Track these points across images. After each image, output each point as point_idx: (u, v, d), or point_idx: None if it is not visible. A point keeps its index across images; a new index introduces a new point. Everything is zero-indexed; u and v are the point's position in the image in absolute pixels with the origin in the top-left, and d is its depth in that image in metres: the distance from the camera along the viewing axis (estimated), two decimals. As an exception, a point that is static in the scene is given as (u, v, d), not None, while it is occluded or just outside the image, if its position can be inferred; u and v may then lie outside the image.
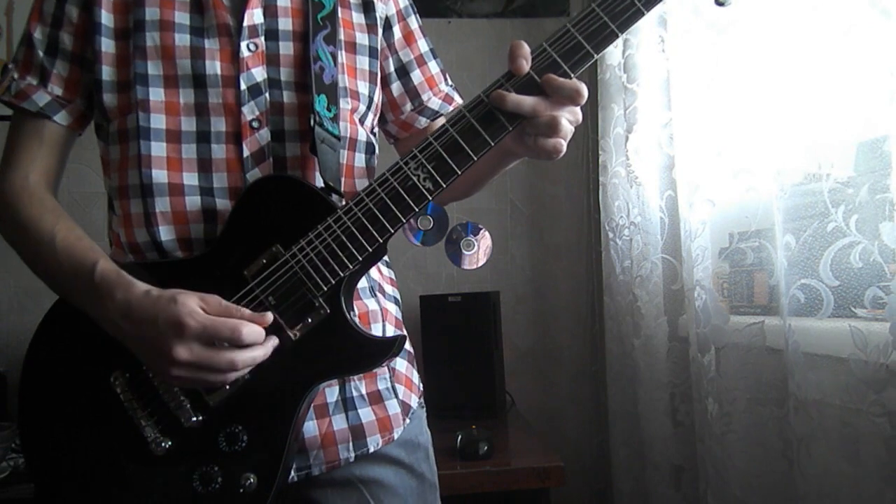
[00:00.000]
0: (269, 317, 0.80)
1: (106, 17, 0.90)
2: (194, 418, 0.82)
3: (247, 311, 0.79)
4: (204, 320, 0.76)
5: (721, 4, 0.86)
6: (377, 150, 1.02)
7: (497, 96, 0.81)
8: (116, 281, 0.80)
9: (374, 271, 0.98)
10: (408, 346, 1.02)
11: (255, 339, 0.78)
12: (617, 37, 0.82)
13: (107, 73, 0.89)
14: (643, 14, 0.81)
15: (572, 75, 0.81)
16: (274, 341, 0.81)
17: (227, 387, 0.81)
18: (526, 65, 0.80)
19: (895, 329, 1.00)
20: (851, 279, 1.11)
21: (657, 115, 1.71)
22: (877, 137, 1.10)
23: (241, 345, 0.77)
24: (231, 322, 0.77)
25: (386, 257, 1.04)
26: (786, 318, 1.21)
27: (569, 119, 0.82)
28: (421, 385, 1.05)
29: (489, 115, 0.82)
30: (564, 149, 0.82)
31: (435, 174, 0.82)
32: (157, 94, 0.87)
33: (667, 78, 1.67)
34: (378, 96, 1.02)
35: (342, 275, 0.82)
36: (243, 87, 0.88)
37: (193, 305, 0.76)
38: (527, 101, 0.80)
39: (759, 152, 1.31)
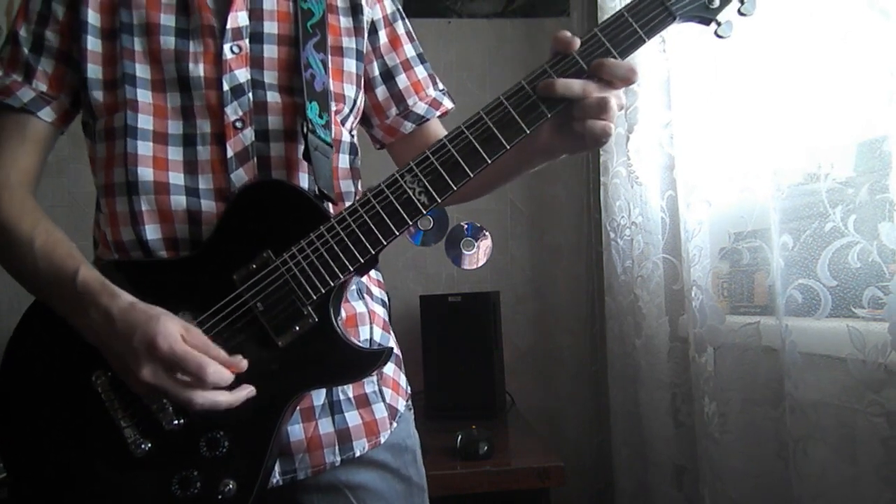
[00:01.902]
0: (244, 364, 0.79)
1: (92, 17, 0.89)
2: (175, 421, 0.81)
3: (222, 353, 0.78)
4: (175, 347, 0.74)
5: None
6: (359, 152, 1.02)
7: (545, 84, 0.81)
8: (100, 290, 0.79)
9: None
10: (395, 349, 1.02)
11: (218, 381, 0.76)
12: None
13: (93, 71, 0.89)
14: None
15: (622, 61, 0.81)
16: (247, 392, 0.79)
17: None
18: (576, 44, 0.81)
19: (894, 329, 0.99)
20: (850, 279, 1.11)
21: (658, 115, 1.71)
22: (876, 137, 1.10)
23: (204, 382, 0.75)
24: (200, 358, 0.75)
25: None
26: (782, 318, 1.21)
27: (616, 102, 0.82)
28: (409, 388, 1.04)
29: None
30: (613, 132, 0.82)
31: (430, 188, 0.82)
32: (145, 97, 0.87)
33: (667, 78, 1.67)
34: (361, 100, 1.02)
35: (332, 284, 0.82)
36: (226, 87, 0.88)
37: (173, 329, 0.75)
38: (577, 83, 0.80)
39: (758, 152, 1.31)
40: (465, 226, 2.24)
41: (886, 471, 1.01)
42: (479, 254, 2.24)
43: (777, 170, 1.24)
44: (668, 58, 1.66)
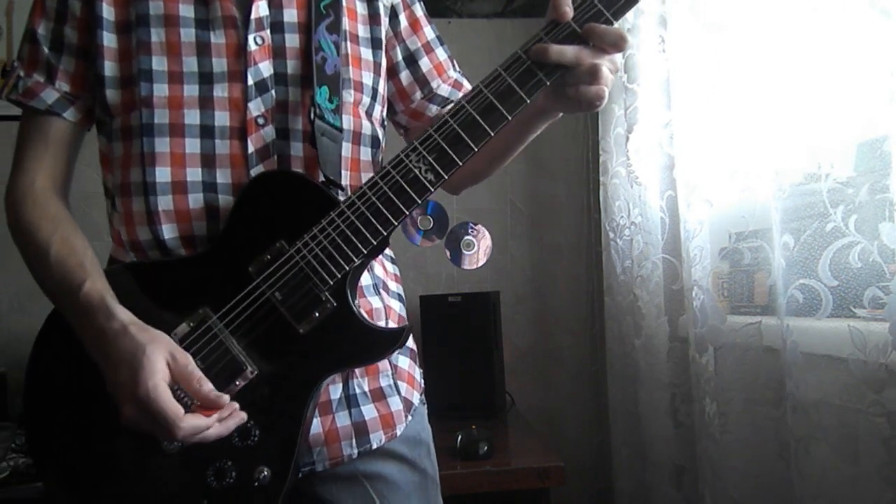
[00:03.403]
0: (225, 399, 0.77)
1: (107, 11, 0.88)
2: None
3: (205, 388, 0.76)
4: (151, 396, 0.73)
5: None
6: (383, 145, 1.01)
7: (539, 49, 0.81)
8: (98, 307, 0.78)
9: (378, 268, 0.98)
10: (410, 342, 1.02)
11: (190, 434, 0.74)
12: None
13: (109, 68, 0.88)
14: None
15: (615, 22, 0.82)
16: (237, 420, 0.79)
17: (237, 382, 0.81)
18: (570, 12, 0.81)
19: (894, 329, 0.99)
20: (851, 279, 1.11)
21: (657, 115, 1.71)
22: (877, 137, 1.10)
23: (174, 438, 0.74)
24: (170, 414, 0.73)
25: (391, 253, 1.03)
26: (783, 318, 1.21)
27: (609, 67, 0.82)
28: (422, 381, 1.05)
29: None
30: (606, 96, 0.83)
31: (436, 165, 0.82)
32: (161, 90, 0.86)
33: (667, 78, 1.67)
34: (384, 87, 1.01)
35: (347, 268, 0.83)
36: (250, 82, 0.87)
37: (157, 369, 0.74)
38: (569, 50, 0.81)
39: (758, 152, 1.31)
40: (465, 225, 2.24)
41: (888, 471, 1.01)
42: (479, 254, 2.24)
43: (778, 169, 1.24)
44: (667, 58, 1.66)
